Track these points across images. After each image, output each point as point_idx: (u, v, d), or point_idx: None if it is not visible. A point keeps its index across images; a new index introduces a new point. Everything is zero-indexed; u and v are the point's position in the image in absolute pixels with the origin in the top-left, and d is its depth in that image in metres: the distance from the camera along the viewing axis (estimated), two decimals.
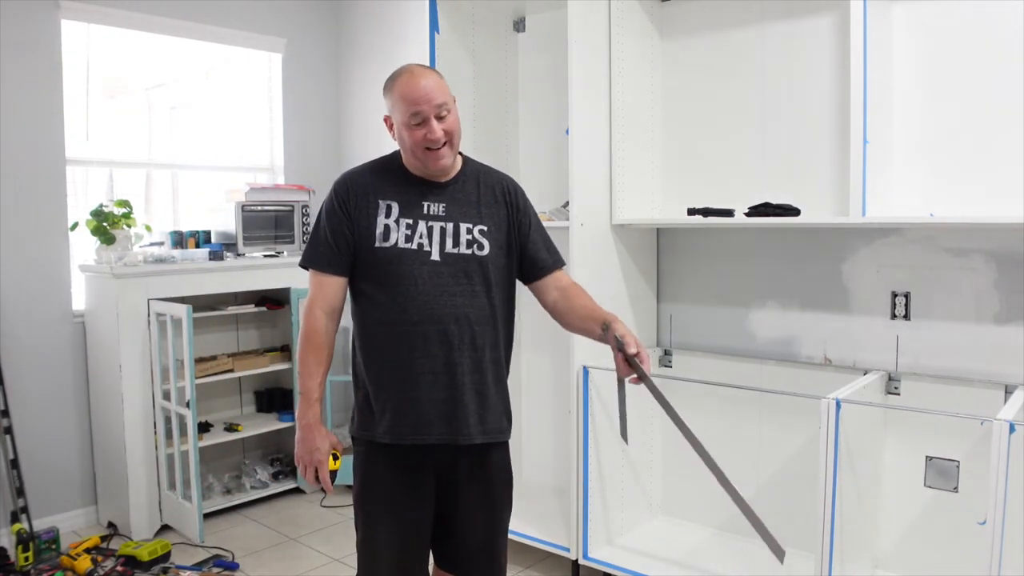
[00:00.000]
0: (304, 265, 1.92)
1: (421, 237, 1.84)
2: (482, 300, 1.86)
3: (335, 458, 1.88)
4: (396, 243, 1.83)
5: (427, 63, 3.26)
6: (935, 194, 2.58)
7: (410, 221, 1.85)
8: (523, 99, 3.63)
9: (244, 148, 4.36)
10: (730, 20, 3.00)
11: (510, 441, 2.01)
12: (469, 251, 1.85)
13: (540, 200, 3.52)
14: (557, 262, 2.00)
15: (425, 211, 1.86)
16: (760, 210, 2.70)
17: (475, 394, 1.87)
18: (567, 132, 2.87)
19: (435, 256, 1.83)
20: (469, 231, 1.86)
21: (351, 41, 4.53)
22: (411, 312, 1.82)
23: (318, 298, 1.88)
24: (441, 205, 1.87)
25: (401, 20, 4.19)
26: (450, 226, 1.85)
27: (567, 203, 2.96)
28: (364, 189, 1.88)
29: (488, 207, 1.91)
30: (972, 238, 2.55)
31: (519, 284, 2.01)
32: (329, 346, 1.90)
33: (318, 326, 1.87)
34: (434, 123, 1.79)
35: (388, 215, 1.85)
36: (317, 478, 1.86)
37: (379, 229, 1.84)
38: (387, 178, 1.90)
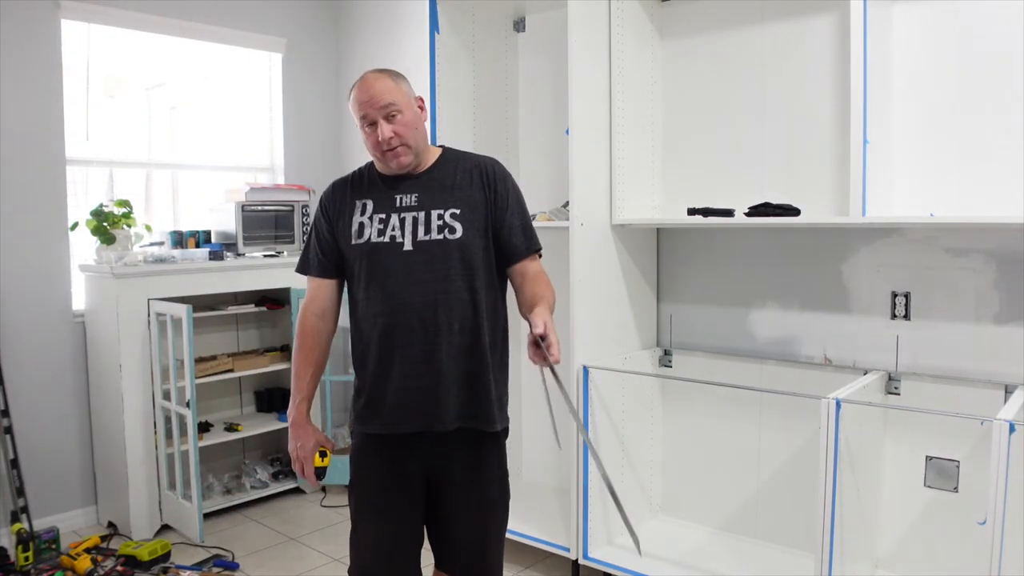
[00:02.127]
0: (300, 272, 2.01)
1: (394, 230, 1.87)
2: (459, 284, 1.85)
3: (323, 455, 1.92)
4: (369, 238, 1.88)
5: (427, 63, 3.27)
6: (935, 194, 2.58)
7: (383, 216, 1.89)
8: (523, 99, 3.63)
9: (244, 148, 4.36)
10: (730, 20, 3.00)
11: (510, 440, 2.01)
12: (440, 236, 1.85)
13: (540, 200, 3.54)
14: (531, 248, 1.95)
15: (398, 204, 1.89)
16: (760, 210, 2.70)
17: (456, 380, 1.85)
18: (567, 132, 2.87)
19: (408, 246, 1.85)
20: (440, 216, 1.86)
21: (351, 41, 4.53)
22: (387, 303, 1.85)
23: (310, 301, 1.98)
24: (414, 196, 1.89)
25: (401, 20, 4.20)
26: (422, 214, 1.87)
27: (567, 203, 2.96)
28: (343, 193, 1.96)
29: (463, 190, 1.90)
30: (972, 238, 2.55)
31: None
32: (320, 347, 1.97)
33: (308, 328, 1.96)
34: (382, 124, 1.82)
35: (363, 213, 1.91)
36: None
37: (354, 227, 1.90)
38: (365, 180, 1.97)
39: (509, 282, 1.99)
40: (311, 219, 2.01)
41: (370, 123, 1.84)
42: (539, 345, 1.72)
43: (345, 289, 2.00)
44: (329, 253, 1.95)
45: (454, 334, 1.84)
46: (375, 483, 1.92)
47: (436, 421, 1.85)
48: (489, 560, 1.96)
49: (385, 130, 1.82)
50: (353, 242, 1.89)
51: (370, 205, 1.90)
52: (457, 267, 1.85)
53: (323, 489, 4.08)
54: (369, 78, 1.86)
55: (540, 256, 1.99)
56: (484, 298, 1.89)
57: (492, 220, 1.91)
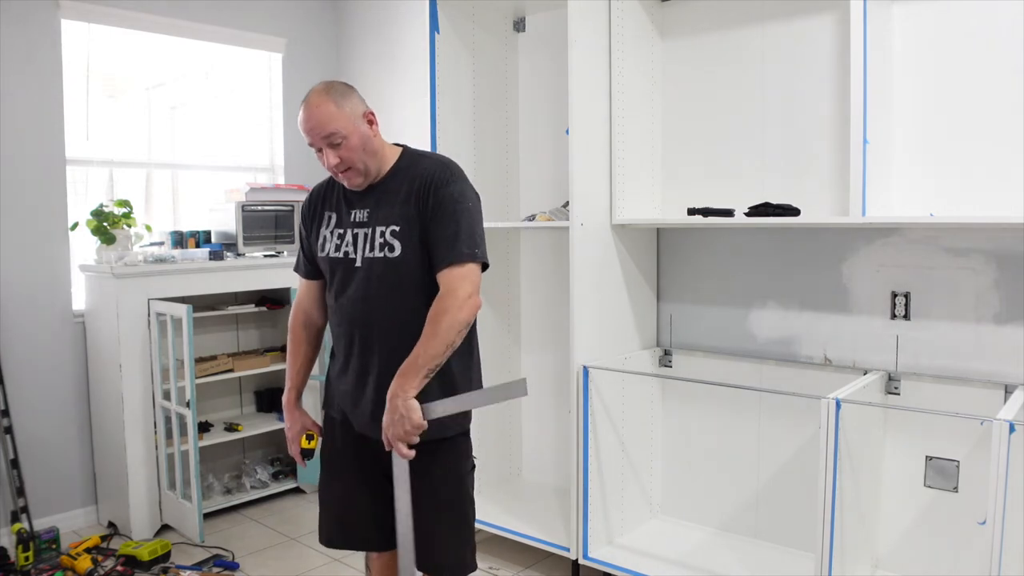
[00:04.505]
0: (294, 270, 2.16)
1: (347, 245, 1.93)
2: (398, 302, 1.86)
3: (310, 438, 2.08)
4: (328, 252, 1.96)
5: (427, 63, 3.27)
6: (935, 194, 2.58)
7: (341, 231, 1.95)
8: (523, 99, 3.63)
9: (244, 148, 4.36)
10: (730, 20, 3.00)
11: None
12: (382, 254, 1.88)
13: (540, 200, 3.54)
14: (450, 259, 1.80)
15: (352, 219, 1.94)
16: (760, 210, 2.70)
17: (383, 394, 1.80)
18: (567, 132, 2.87)
19: (358, 263, 1.91)
20: (383, 234, 1.88)
21: (351, 41, 4.53)
22: (339, 315, 1.96)
23: (299, 299, 2.12)
24: (365, 211, 1.92)
25: (401, 20, 4.20)
26: (369, 231, 1.91)
27: (567, 203, 2.96)
28: (317, 202, 2.04)
29: (405, 204, 1.87)
30: (972, 238, 2.55)
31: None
32: (307, 341, 2.12)
33: (297, 323, 2.12)
34: (327, 151, 1.85)
35: (327, 225, 1.98)
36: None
37: (320, 239, 1.99)
38: (334, 190, 2.02)
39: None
40: None
41: (317, 149, 1.87)
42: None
43: None
44: (311, 257, 2.06)
45: (393, 350, 1.84)
46: (336, 456, 2.05)
47: (374, 432, 1.87)
48: (443, 557, 1.95)
49: (331, 158, 1.85)
50: (319, 254, 1.99)
51: (333, 218, 1.98)
52: (396, 285, 1.87)
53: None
54: (312, 102, 1.82)
55: (478, 265, 1.84)
56: (425, 314, 1.81)
57: (423, 231, 1.85)
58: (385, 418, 1.75)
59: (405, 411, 1.73)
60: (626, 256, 3.11)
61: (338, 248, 1.94)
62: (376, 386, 1.89)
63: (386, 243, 1.87)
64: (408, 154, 1.96)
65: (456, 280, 1.79)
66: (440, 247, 1.82)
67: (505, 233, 3.64)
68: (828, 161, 2.78)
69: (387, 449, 1.77)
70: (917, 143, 2.62)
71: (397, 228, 1.86)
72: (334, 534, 2.08)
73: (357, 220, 1.93)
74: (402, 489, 1.80)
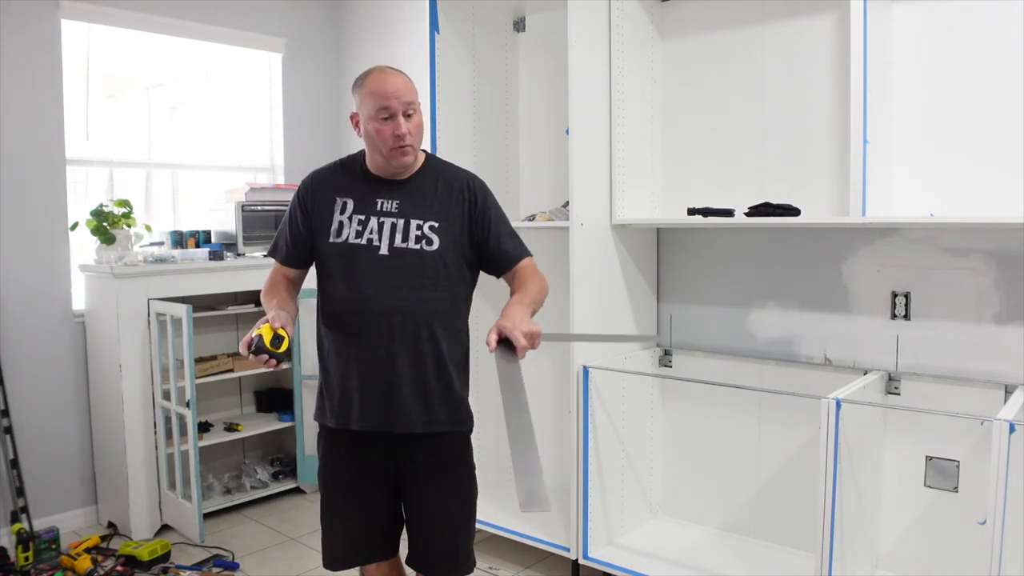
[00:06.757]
0: (268, 254, 2.06)
1: (371, 233, 1.90)
2: (429, 293, 1.89)
3: (272, 335, 1.74)
4: (347, 239, 1.91)
5: (427, 63, 3.28)
6: (935, 194, 2.58)
7: (362, 217, 1.91)
8: (523, 99, 3.63)
9: (244, 148, 4.36)
10: (730, 20, 3.00)
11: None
12: (417, 246, 1.89)
13: (540, 200, 3.54)
14: (522, 253, 2.01)
15: (378, 208, 1.92)
16: (760, 210, 2.70)
17: (415, 385, 1.89)
18: (567, 132, 2.87)
19: (384, 251, 1.88)
20: (419, 227, 1.90)
21: (351, 41, 4.53)
22: (357, 304, 1.88)
23: (274, 282, 2.02)
24: (395, 202, 1.92)
25: (401, 20, 4.20)
26: (401, 222, 1.90)
27: (567, 203, 2.96)
28: (324, 187, 1.98)
29: (443, 203, 1.93)
30: (972, 238, 2.55)
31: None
32: (283, 296, 1.96)
33: (276, 282, 2.01)
34: (401, 119, 1.84)
35: (343, 211, 1.93)
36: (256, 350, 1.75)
37: (333, 225, 1.93)
38: (347, 176, 1.98)
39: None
40: (289, 206, 2.06)
41: (390, 115, 1.84)
42: (505, 344, 1.73)
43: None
44: (300, 246, 1.98)
45: (421, 341, 1.88)
46: (340, 471, 1.98)
47: (398, 423, 1.89)
48: (457, 559, 1.97)
49: (403, 125, 1.84)
50: (331, 240, 1.92)
51: (350, 204, 1.93)
52: (430, 277, 1.89)
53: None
54: (388, 71, 1.88)
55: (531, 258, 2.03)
56: (451, 308, 1.93)
57: (476, 233, 1.95)
58: (507, 320, 1.74)
59: (528, 321, 1.77)
60: (626, 256, 3.11)
61: (359, 235, 1.89)
62: (415, 375, 1.88)
63: (423, 236, 1.89)
64: (432, 158, 2.03)
65: (535, 269, 2.00)
66: (507, 243, 1.99)
67: None
68: (828, 161, 2.78)
69: (491, 351, 1.70)
70: (917, 143, 2.62)
71: (436, 224, 1.90)
72: (345, 552, 2.00)
73: (385, 210, 1.91)
74: (519, 389, 1.72)
